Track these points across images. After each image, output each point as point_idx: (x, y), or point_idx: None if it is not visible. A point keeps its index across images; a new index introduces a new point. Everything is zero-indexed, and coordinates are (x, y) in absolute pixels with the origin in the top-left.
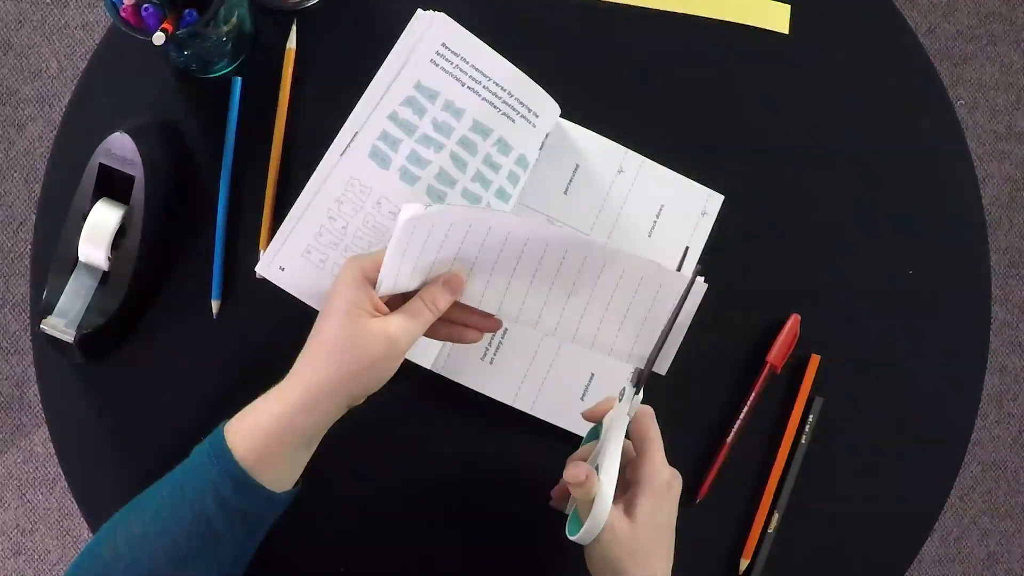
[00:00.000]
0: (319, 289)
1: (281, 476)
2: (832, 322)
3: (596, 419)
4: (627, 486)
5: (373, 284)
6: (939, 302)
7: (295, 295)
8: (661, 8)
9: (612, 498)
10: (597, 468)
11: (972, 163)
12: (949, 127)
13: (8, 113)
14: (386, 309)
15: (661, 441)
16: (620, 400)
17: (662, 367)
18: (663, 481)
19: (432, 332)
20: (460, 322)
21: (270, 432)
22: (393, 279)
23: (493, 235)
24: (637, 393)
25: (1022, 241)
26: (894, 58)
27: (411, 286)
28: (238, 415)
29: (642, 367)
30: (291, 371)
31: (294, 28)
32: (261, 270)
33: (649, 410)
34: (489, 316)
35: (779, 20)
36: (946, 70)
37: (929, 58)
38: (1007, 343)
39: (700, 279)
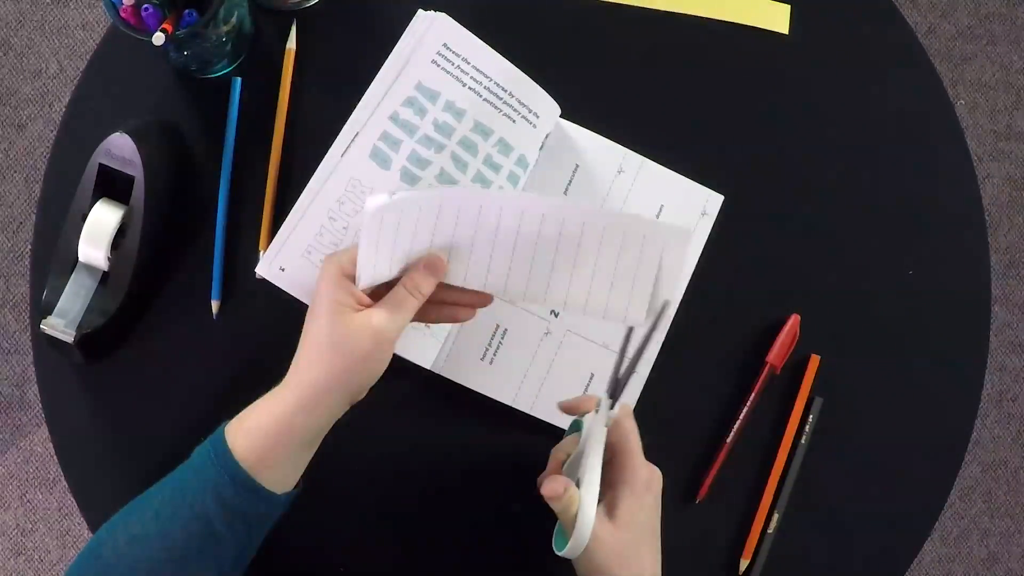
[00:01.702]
0: None
1: (282, 477)
2: (832, 322)
3: (572, 412)
4: (608, 487)
5: (353, 279)
6: (939, 302)
7: (295, 296)
8: (661, 8)
9: (595, 511)
10: (578, 482)
11: (972, 163)
12: (949, 127)
13: (8, 113)
14: (369, 301)
15: (639, 439)
16: (597, 412)
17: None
18: (642, 480)
19: (423, 316)
20: (450, 302)
21: (270, 433)
22: (371, 272)
23: (465, 212)
24: (613, 406)
25: (1022, 241)
26: (894, 58)
27: (392, 274)
28: (239, 416)
29: (641, 325)
30: (288, 373)
31: (294, 28)
32: (261, 270)
33: (627, 407)
34: (478, 292)
35: (779, 20)
36: (946, 70)
37: (929, 58)
38: (1007, 343)
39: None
